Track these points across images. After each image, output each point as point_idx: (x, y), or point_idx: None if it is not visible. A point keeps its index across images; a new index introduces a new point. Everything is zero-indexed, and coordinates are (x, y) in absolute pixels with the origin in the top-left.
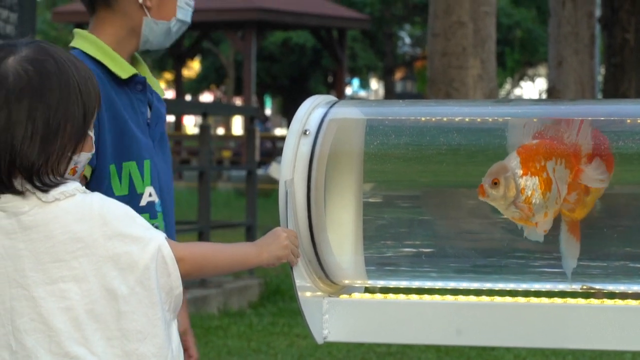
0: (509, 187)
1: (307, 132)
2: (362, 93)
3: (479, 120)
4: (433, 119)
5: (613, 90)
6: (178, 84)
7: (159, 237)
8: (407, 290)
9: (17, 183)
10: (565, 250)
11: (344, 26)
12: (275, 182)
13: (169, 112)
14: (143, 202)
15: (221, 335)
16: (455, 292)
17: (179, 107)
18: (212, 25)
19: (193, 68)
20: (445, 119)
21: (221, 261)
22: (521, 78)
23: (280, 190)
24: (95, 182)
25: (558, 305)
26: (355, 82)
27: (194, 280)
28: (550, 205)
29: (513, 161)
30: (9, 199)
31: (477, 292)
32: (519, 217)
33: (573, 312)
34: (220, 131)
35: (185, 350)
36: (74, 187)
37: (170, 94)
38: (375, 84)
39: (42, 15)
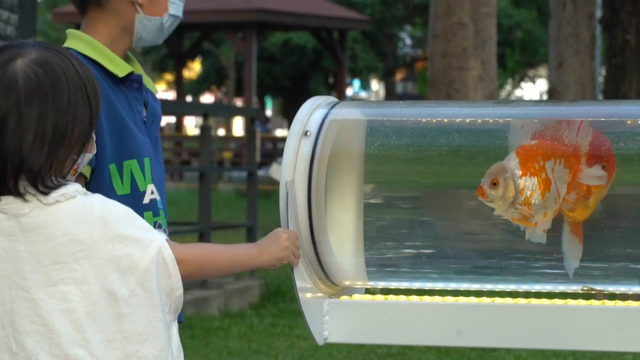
0: (508, 187)
1: (308, 133)
2: (363, 94)
3: (479, 121)
4: (434, 120)
5: (614, 91)
6: (179, 85)
7: (160, 239)
8: (408, 292)
9: (20, 185)
10: (567, 251)
11: (344, 27)
12: (276, 183)
13: (170, 113)
14: (146, 200)
15: (222, 336)
16: (455, 293)
17: (179, 108)
18: (213, 27)
19: (194, 69)
20: (445, 120)
21: (222, 262)
22: (522, 79)
23: (281, 191)
24: (95, 181)
25: (559, 307)
26: (356, 83)
27: (195, 281)
28: (549, 206)
29: (512, 162)
30: (9, 201)
31: (478, 293)
32: (519, 218)
33: (574, 314)
34: (221, 132)
35: None
36: (74, 188)
37: (171, 95)
38: (375, 85)
39: (43, 16)
